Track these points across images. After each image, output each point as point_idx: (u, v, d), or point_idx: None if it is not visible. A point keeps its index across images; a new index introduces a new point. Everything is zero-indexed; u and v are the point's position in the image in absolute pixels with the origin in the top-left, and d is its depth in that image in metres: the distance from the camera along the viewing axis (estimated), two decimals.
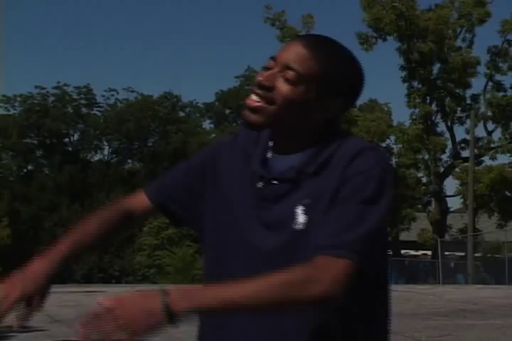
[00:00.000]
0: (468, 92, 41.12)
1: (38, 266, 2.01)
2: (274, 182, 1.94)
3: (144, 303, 1.64)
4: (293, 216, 1.88)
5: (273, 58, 1.92)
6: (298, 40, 1.95)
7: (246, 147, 2.04)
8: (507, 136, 40.21)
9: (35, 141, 62.39)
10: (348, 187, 1.84)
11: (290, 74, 1.88)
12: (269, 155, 1.99)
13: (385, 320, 2.01)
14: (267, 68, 1.92)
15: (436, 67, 40.61)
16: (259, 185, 1.95)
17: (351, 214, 1.81)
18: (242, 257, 1.95)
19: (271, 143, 2.00)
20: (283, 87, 1.88)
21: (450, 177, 41.09)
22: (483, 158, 40.30)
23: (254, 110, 1.90)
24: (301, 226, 1.87)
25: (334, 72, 1.92)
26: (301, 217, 1.88)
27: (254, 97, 1.90)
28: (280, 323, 1.88)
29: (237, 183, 2.00)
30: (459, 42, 40.54)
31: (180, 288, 1.68)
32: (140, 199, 2.15)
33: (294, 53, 1.89)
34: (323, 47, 1.93)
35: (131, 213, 2.13)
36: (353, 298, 1.85)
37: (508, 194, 38.78)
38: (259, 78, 1.90)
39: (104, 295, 1.67)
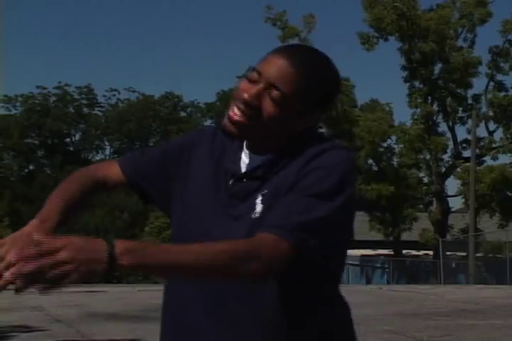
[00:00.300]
0: (470, 92, 41.17)
1: (34, 225, 2.05)
2: (244, 180, 1.99)
3: (89, 250, 1.60)
4: (253, 207, 1.93)
5: (256, 71, 1.93)
6: (282, 54, 1.94)
7: (225, 141, 2.08)
8: (508, 136, 40.20)
9: (37, 141, 62.43)
10: (307, 179, 1.88)
11: (275, 94, 1.90)
12: (243, 153, 2.03)
13: (334, 311, 2.03)
14: (249, 80, 1.94)
15: (437, 67, 40.65)
16: (231, 181, 2.00)
17: (302, 203, 1.84)
18: None
19: (245, 143, 2.04)
20: (269, 108, 1.91)
21: (451, 177, 41.10)
22: (484, 158, 40.29)
23: (236, 123, 1.93)
24: (257, 215, 1.92)
25: (318, 88, 1.95)
26: (258, 207, 1.93)
27: (237, 111, 1.93)
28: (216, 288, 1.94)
29: (209, 176, 2.05)
30: (460, 42, 40.58)
31: (126, 242, 1.65)
32: (114, 171, 2.19)
33: (279, 71, 1.90)
34: (307, 63, 1.94)
35: (104, 182, 2.19)
36: (294, 283, 1.91)
37: (510, 194, 38.78)
38: (246, 96, 1.91)
39: (41, 235, 1.62)
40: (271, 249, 1.77)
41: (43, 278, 1.56)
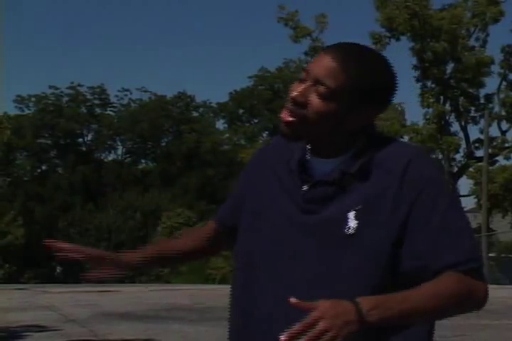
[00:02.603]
0: (482, 92, 41.02)
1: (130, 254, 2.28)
2: (319, 184, 1.97)
3: (341, 314, 1.72)
4: (344, 220, 1.91)
5: (305, 70, 1.95)
6: (328, 51, 1.95)
7: (282, 153, 2.09)
8: None
9: (49, 141, 62.52)
10: (425, 204, 1.90)
11: (321, 89, 1.90)
12: (308, 157, 2.03)
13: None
14: (300, 80, 1.96)
15: (449, 67, 40.52)
16: (305, 188, 1.98)
17: (454, 225, 1.92)
18: (282, 257, 1.98)
19: (308, 147, 2.04)
20: (315, 103, 1.91)
21: (464, 177, 40.99)
22: (497, 158, 40.16)
23: (288, 124, 1.95)
24: (351, 231, 1.90)
25: (365, 83, 1.93)
26: (352, 222, 1.91)
27: (286, 112, 1.95)
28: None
29: (277, 187, 2.05)
30: (472, 42, 40.43)
31: (370, 299, 1.77)
32: (210, 225, 2.35)
33: (325, 67, 1.91)
34: (353, 58, 1.93)
35: (206, 237, 2.33)
36: None
37: None
38: (293, 93, 1.93)
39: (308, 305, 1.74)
40: (481, 286, 1.97)
41: None
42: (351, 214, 1.91)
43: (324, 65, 1.91)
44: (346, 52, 1.94)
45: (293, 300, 1.71)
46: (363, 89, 1.92)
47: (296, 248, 1.94)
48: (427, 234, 1.88)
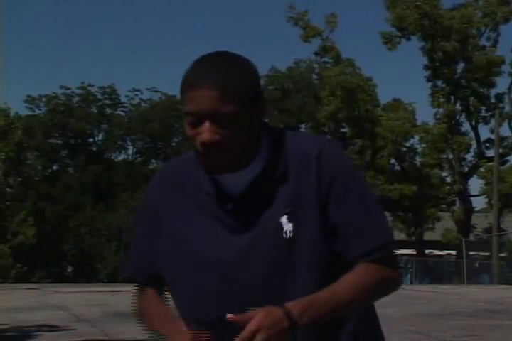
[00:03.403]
0: (493, 91, 40.98)
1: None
2: (243, 199, 1.95)
3: (274, 323, 1.79)
4: (279, 226, 1.92)
5: (190, 114, 1.89)
6: (197, 85, 1.88)
7: (178, 182, 2.05)
8: None
9: (60, 141, 62.62)
10: (338, 189, 1.94)
11: (224, 119, 1.87)
12: (218, 177, 1.98)
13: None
14: (191, 125, 1.91)
15: (460, 67, 40.49)
16: (229, 206, 1.96)
17: (363, 221, 1.95)
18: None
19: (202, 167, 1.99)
20: (230, 134, 1.88)
21: (474, 176, 40.94)
22: (507, 158, 40.12)
23: (217, 166, 1.91)
24: (290, 234, 1.92)
25: (248, 87, 1.92)
26: (287, 226, 1.92)
27: (210, 157, 1.90)
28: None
29: (191, 216, 2.00)
30: (483, 41, 40.40)
31: (297, 304, 1.84)
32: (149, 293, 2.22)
33: (210, 100, 1.86)
34: (223, 75, 1.89)
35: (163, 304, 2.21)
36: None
37: None
38: (205, 138, 1.87)
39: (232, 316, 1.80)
40: (394, 269, 2.00)
41: None
42: (284, 219, 1.92)
43: (209, 99, 1.86)
44: (213, 75, 1.89)
45: (229, 316, 1.77)
46: (249, 92, 1.91)
47: (243, 265, 1.94)
48: (341, 223, 1.94)
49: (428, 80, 40.72)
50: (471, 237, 39.45)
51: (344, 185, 1.94)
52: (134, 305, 2.19)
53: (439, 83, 40.56)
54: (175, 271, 2.03)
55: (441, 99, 39.87)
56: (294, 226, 1.92)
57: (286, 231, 1.91)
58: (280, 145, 1.97)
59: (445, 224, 39.51)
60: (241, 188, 1.95)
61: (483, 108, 41.03)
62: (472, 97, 40.55)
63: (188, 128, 1.94)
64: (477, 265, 36.26)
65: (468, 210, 40.68)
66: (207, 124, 1.87)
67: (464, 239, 35.79)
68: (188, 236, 2.00)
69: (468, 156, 41.29)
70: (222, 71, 1.89)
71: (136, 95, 64.27)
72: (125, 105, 64.41)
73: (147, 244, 2.10)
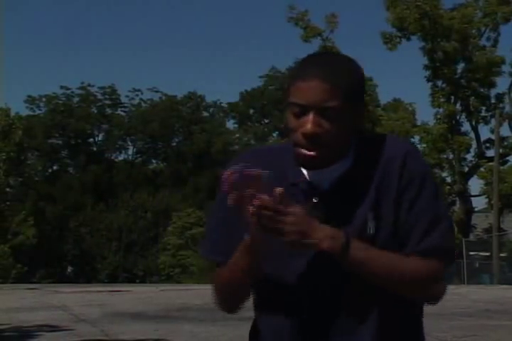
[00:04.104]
0: (493, 91, 40.91)
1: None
2: (331, 193, 1.99)
3: (329, 232, 1.87)
4: (365, 221, 1.97)
5: (296, 104, 1.93)
6: (308, 76, 1.93)
7: (272, 163, 2.04)
8: None
9: (60, 141, 62.73)
10: (412, 192, 1.99)
11: (330, 113, 1.91)
12: (304, 170, 2.01)
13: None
14: (295, 115, 1.94)
15: (460, 67, 40.45)
16: (315, 200, 1.99)
17: (435, 214, 2.01)
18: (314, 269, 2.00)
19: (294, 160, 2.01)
20: (333, 129, 1.92)
21: (475, 176, 40.91)
22: (508, 158, 40.08)
23: (315, 159, 1.95)
24: (372, 231, 1.98)
25: (353, 85, 1.97)
26: (371, 222, 1.98)
27: (309, 150, 1.93)
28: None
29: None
30: (483, 41, 40.35)
31: (356, 240, 1.90)
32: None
33: (320, 92, 1.91)
34: (333, 70, 1.94)
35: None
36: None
37: None
38: (309, 129, 1.90)
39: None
40: (441, 274, 2.02)
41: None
42: (370, 215, 1.97)
43: (318, 90, 1.91)
44: (324, 69, 1.94)
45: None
46: (354, 91, 1.97)
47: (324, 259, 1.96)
48: (408, 222, 1.98)
49: (428, 80, 40.71)
50: (472, 237, 39.45)
51: (418, 189, 1.99)
52: (213, 283, 2.11)
53: (439, 83, 40.55)
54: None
55: (442, 99, 39.85)
56: (376, 224, 1.97)
57: (370, 228, 1.97)
58: (368, 146, 2.02)
59: None
60: (328, 183, 1.99)
61: (484, 108, 41.02)
62: (472, 97, 40.54)
63: (292, 119, 1.96)
64: (477, 265, 36.25)
65: (469, 210, 40.68)
66: (311, 116, 1.91)
67: (464, 239, 35.78)
68: None
69: (469, 156, 41.31)
70: (333, 66, 1.95)
71: (137, 95, 64.46)
72: (125, 105, 64.56)
73: (226, 231, 2.08)
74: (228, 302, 2.11)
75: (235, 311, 2.13)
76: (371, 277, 1.93)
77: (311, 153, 1.93)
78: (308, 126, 1.90)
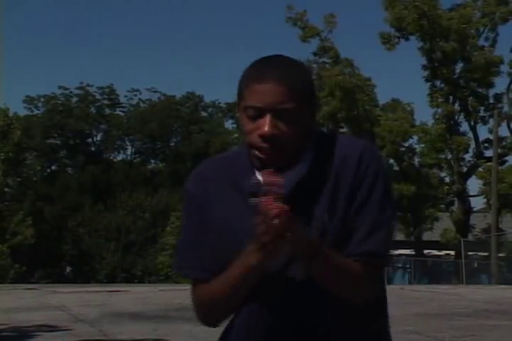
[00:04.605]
0: (492, 92, 40.95)
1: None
2: (288, 200, 1.94)
3: (306, 236, 1.88)
4: (324, 225, 1.98)
5: (252, 107, 1.93)
6: (263, 79, 1.93)
7: (224, 176, 2.06)
8: None
9: (59, 141, 62.66)
10: (364, 190, 2.00)
11: (286, 115, 1.92)
12: (257, 173, 2.00)
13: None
14: (251, 118, 1.94)
15: (459, 67, 40.48)
16: None
17: (381, 217, 2.02)
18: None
19: (252, 164, 2.02)
20: (289, 129, 1.94)
21: (473, 176, 40.93)
22: (506, 158, 40.09)
23: (273, 159, 1.95)
24: (326, 225, 1.98)
25: (306, 86, 1.99)
26: (328, 224, 1.98)
27: (266, 152, 1.93)
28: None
29: (239, 214, 2.00)
30: (481, 42, 40.38)
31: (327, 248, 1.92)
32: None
33: (275, 94, 1.92)
34: (286, 72, 1.95)
35: None
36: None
37: None
38: (266, 131, 1.90)
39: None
40: (379, 277, 2.06)
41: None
42: (326, 217, 1.98)
43: (274, 93, 1.91)
44: (279, 71, 1.95)
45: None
46: (308, 92, 1.99)
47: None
48: (355, 221, 1.99)
49: (427, 80, 40.72)
50: (470, 237, 39.44)
51: (370, 187, 2.00)
52: (197, 298, 2.11)
53: (438, 83, 40.57)
54: (227, 258, 2.00)
55: (440, 99, 39.86)
56: (331, 224, 1.98)
57: (328, 229, 1.98)
58: (324, 147, 2.03)
59: (444, 224, 39.51)
60: (287, 189, 1.95)
61: (482, 108, 41.03)
62: (471, 97, 40.55)
63: (247, 122, 1.96)
64: (476, 265, 36.26)
65: (467, 210, 40.68)
66: (268, 118, 1.92)
67: (462, 239, 35.80)
68: (238, 225, 2.01)
69: (467, 156, 41.33)
70: (286, 68, 1.97)
71: (135, 95, 64.38)
72: (124, 105, 64.50)
73: (196, 237, 2.10)
74: (216, 315, 2.10)
75: (220, 324, 2.13)
76: (324, 282, 1.96)
77: (268, 156, 1.93)
78: (266, 128, 1.91)
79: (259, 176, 1.99)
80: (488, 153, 40.01)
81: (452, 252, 40.52)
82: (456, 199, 41.46)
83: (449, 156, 40.76)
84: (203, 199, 2.08)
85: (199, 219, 2.08)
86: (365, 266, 1.98)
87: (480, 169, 39.82)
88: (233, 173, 2.04)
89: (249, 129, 1.95)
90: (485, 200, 39.55)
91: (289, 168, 1.98)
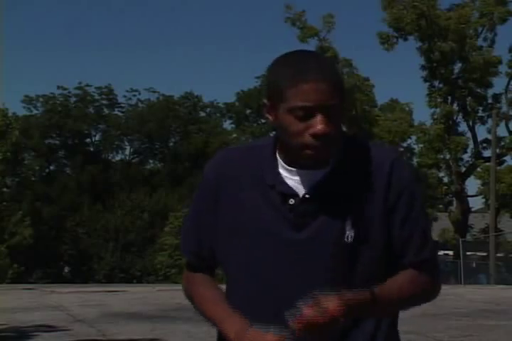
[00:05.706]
0: (490, 92, 41.01)
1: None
2: (307, 197, 1.98)
3: (359, 296, 1.90)
4: (342, 229, 1.97)
5: (299, 107, 1.92)
6: (306, 78, 1.92)
7: (244, 167, 2.07)
8: None
9: (57, 142, 62.59)
10: (403, 204, 2.02)
11: (333, 111, 1.93)
12: (282, 169, 2.02)
13: None
14: (299, 118, 1.93)
15: (457, 67, 40.51)
16: (291, 201, 1.99)
17: (424, 226, 2.10)
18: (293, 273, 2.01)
19: (281, 160, 2.03)
20: (337, 126, 1.96)
21: (471, 177, 40.94)
22: (504, 158, 40.12)
23: (327, 157, 1.98)
24: (350, 239, 1.97)
25: (343, 85, 2.01)
26: (350, 231, 1.97)
27: (321, 148, 1.94)
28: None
29: (259, 202, 2.02)
30: (480, 42, 40.43)
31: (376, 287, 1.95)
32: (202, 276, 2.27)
33: (320, 93, 1.91)
34: (325, 70, 1.95)
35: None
36: None
37: None
38: (323, 130, 1.91)
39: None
40: (438, 282, 2.15)
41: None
42: (349, 223, 1.97)
43: (321, 91, 1.91)
44: (321, 69, 1.95)
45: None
46: (344, 87, 2.01)
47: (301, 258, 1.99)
48: (402, 235, 2.03)
49: (425, 80, 40.77)
50: (468, 237, 39.47)
51: (410, 201, 2.03)
52: (186, 285, 2.27)
53: (436, 83, 40.60)
54: (230, 246, 2.07)
55: (439, 100, 39.90)
56: (356, 233, 1.97)
57: (348, 236, 1.97)
58: (351, 150, 2.03)
59: (442, 225, 39.54)
60: (307, 187, 1.99)
61: (480, 108, 41.07)
62: (469, 97, 40.58)
63: (294, 122, 1.94)
64: (474, 265, 36.28)
65: (466, 210, 40.70)
66: (320, 116, 1.91)
67: (461, 239, 35.79)
68: (250, 214, 2.03)
69: (466, 156, 41.37)
70: (326, 66, 1.97)
71: (134, 95, 64.30)
72: (122, 105, 64.43)
73: (202, 224, 2.13)
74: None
75: None
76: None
77: (322, 153, 1.94)
78: (320, 127, 1.90)
79: (282, 171, 2.01)
80: (487, 153, 40.08)
81: (451, 252, 40.54)
82: (454, 199, 41.49)
83: (448, 156, 40.78)
84: (218, 185, 2.09)
85: (207, 206, 2.11)
86: (425, 271, 2.07)
87: (478, 169, 39.85)
88: (256, 165, 2.05)
89: (298, 130, 1.93)
90: (483, 200, 39.62)
91: (317, 168, 1.99)
